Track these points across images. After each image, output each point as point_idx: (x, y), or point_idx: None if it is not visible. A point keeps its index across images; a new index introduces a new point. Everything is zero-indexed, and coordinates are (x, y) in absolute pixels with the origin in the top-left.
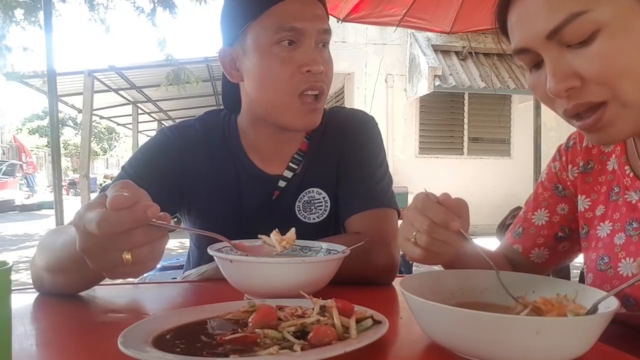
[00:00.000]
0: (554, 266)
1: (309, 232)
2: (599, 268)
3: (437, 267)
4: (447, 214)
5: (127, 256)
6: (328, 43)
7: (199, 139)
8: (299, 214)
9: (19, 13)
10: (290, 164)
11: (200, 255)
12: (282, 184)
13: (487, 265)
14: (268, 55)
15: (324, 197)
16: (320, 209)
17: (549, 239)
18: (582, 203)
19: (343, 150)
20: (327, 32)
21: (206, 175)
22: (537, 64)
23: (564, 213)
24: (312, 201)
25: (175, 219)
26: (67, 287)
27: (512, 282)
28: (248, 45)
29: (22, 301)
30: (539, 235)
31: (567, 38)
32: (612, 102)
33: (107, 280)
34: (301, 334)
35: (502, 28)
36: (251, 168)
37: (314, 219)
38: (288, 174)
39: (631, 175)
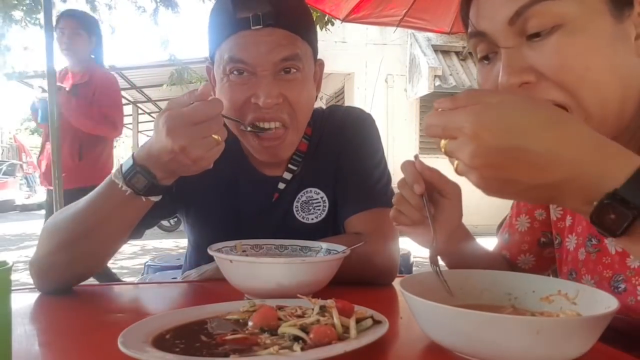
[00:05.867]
0: (544, 271)
1: (307, 232)
2: None
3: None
4: (415, 176)
5: (216, 137)
6: (297, 69)
7: None
8: (297, 214)
9: (18, 13)
10: (290, 166)
11: (199, 257)
12: (281, 185)
13: (488, 264)
14: (224, 83)
15: (322, 197)
16: (319, 209)
17: (532, 245)
18: (554, 212)
19: (340, 150)
20: (291, 58)
21: (205, 176)
22: (489, 54)
23: (542, 218)
24: (310, 201)
25: (175, 219)
26: (87, 258)
27: (513, 282)
28: (215, 69)
29: (22, 301)
30: (523, 242)
31: (529, 24)
32: (576, 110)
33: (107, 280)
34: None
35: (465, 11)
36: (250, 170)
37: (312, 219)
38: (287, 176)
39: None
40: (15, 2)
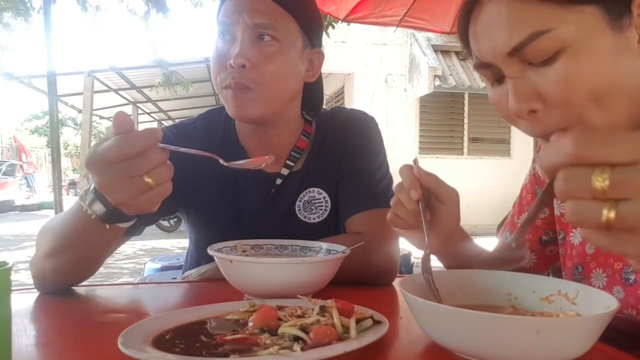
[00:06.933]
0: (545, 270)
1: (309, 232)
2: (574, 278)
3: (440, 267)
4: (412, 181)
5: (148, 180)
6: (273, 38)
7: (198, 137)
8: (299, 213)
9: (7, 15)
10: (287, 162)
11: (200, 256)
12: (278, 181)
13: (485, 266)
14: (214, 48)
15: (324, 197)
16: (321, 209)
17: (534, 244)
18: (558, 207)
19: (343, 151)
20: (265, 26)
21: (205, 173)
22: (498, 79)
23: (545, 216)
24: (313, 201)
25: (175, 219)
26: (71, 269)
27: (513, 282)
28: None
29: (22, 301)
30: (525, 240)
31: (530, 56)
32: (576, 126)
33: (107, 280)
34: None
35: (464, 40)
36: None
37: (314, 218)
38: (285, 172)
39: None
40: (7, 4)
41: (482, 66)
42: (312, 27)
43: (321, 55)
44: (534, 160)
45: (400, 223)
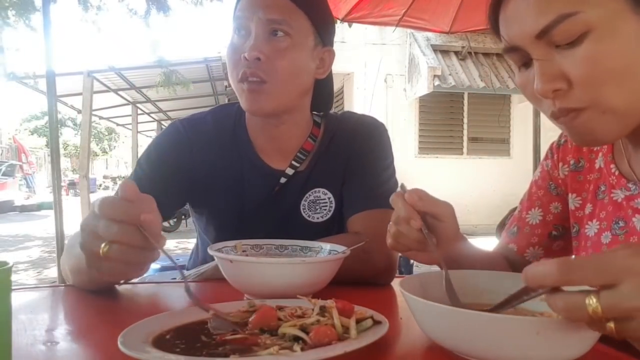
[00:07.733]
0: None
1: (312, 231)
2: None
3: (436, 268)
4: (409, 211)
5: (104, 247)
6: (286, 34)
7: (209, 132)
8: (304, 212)
9: (10, 13)
10: (293, 162)
11: (205, 249)
12: (282, 180)
13: (485, 266)
14: (229, 44)
15: (329, 198)
16: (325, 209)
17: (543, 238)
18: (573, 201)
19: (351, 153)
20: (278, 22)
21: (213, 167)
22: (526, 62)
23: (557, 212)
24: (318, 201)
25: (175, 219)
26: (87, 286)
27: (513, 282)
28: None
29: (23, 300)
30: (533, 235)
31: (557, 38)
32: (591, 108)
33: None
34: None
35: (494, 26)
36: (256, 161)
37: (317, 218)
38: (290, 171)
39: (616, 173)
40: (7, 3)
41: (511, 50)
42: (324, 25)
43: (332, 54)
44: (546, 157)
45: (402, 249)
